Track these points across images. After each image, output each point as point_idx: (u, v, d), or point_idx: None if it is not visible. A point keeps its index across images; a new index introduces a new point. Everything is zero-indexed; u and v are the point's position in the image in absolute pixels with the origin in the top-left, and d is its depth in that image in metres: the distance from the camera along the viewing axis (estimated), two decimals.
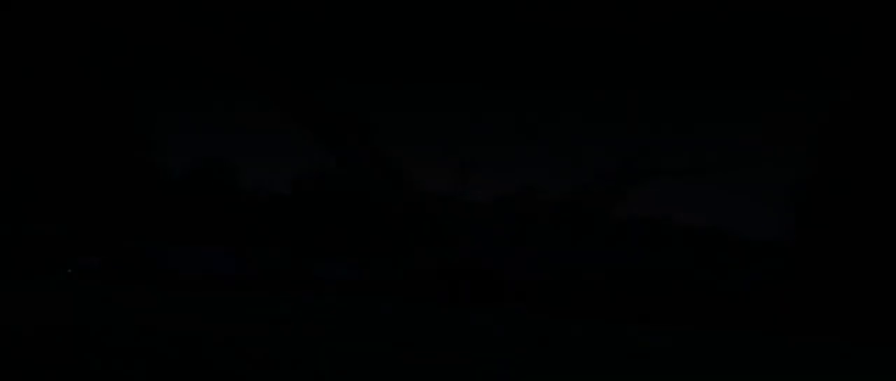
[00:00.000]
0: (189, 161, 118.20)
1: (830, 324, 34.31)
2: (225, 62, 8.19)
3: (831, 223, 42.69)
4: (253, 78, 8.04)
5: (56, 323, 16.80)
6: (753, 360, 18.01)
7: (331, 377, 12.21)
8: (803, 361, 18.37)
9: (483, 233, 9.64)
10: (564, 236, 68.34)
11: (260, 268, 77.46)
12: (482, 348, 15.94)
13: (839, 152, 40.38)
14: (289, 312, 21.49)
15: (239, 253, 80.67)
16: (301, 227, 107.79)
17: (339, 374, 12.42)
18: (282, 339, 15.99)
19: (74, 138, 71.86)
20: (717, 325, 32.26)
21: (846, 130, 41.31)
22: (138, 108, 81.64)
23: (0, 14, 47.36)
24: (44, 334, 14.99)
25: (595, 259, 56.53)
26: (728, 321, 36.26)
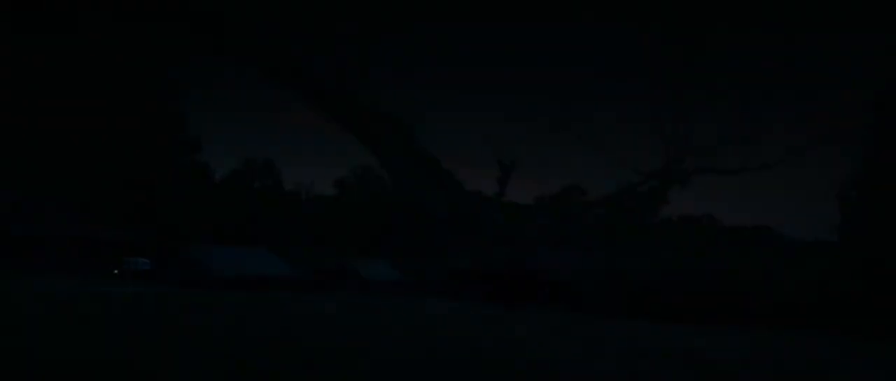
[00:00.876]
0: (233, 162, 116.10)
1: (879, 324, 33.86)
2: (269, 63, 8.24)
3: (880, 223, 42.08)
4: (296, 79, 8.10)
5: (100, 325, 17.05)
6: (809, 362, 17.84)
7: (377, 375, 12.29)
8: (854, 361, 18.15)
9: (526, 233, 9.59)
10: (608, 237, 67.96)
11: (305, 268, 77.79)
12: (526, 347, 15.95)
13: (889, 152, 39.80)
14: (334, 311, 21.60)
15: (283, 254, 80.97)
16: (345, 227, 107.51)
17: (385, 372, 12.50)
18: (328, 338, 16.11)
19: (127, 144, 72.74)
20: (764, 326, 31.95)
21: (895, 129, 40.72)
22: (184, 111, 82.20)
23: (49, 27, 48.23)
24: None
25: (638, 260, 56.22)
26: (775, 323, 35.92)
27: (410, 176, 9.20)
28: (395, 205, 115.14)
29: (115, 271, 58.49)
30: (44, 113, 58.93)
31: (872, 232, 38.16)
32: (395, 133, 9.00)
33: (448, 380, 12.40)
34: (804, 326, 33.86)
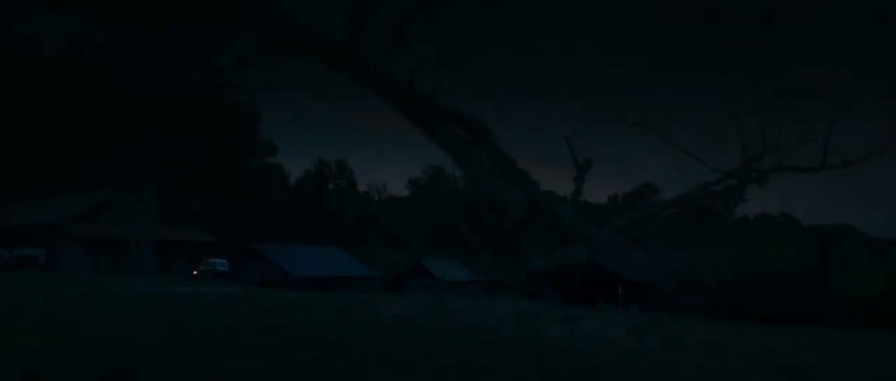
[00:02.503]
0: (308, 164, 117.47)
1: None
2: (343, 63, 8.32)
3: None
4: (371, 79, 8.17)
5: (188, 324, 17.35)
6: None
7: (453, 374, 12.31)
8: None
9: (602, 233, 9.54)
10: (684, 236, 67.06)
11: (378, 268, 78.37)
12: (603, 347, 15.85)
13: None
14: (408, 310, 21.67)
15: (357, 254, 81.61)
16: (418, 227, 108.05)
17: (460, 372, 12.50)
18: (402, 337, 16.19)
19: (205, 147, 73.99)
20: (846, 326, 31.25)
21: None
22: (259, 113, 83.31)
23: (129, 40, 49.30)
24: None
25: (715, 259, 55.52)
26: (857, 322, 35.11)
27: (487, 176, 9.23)
28: (469, 205, 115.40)
29: (194, 273, 59.62)
30: (124, 117, 60.24)
31: None
32: (471, 133, 9.06)
33: (524, 379, 12.36)
34: (888, 326, 33.05)
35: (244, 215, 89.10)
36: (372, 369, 12.37)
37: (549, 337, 17.24)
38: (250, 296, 27.65)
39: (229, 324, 17.20)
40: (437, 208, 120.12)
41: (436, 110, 8.90)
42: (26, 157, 63.46)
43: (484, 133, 9.14)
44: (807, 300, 43.66)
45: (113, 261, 54.45)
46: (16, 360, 11.48)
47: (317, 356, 13.20)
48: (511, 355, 14.39)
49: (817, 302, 43.18)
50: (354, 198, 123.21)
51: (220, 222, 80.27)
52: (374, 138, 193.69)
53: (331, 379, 11.62)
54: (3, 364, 11.07)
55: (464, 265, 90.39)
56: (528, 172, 9.07)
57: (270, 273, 69.05)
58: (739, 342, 18.52)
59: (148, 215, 57.50)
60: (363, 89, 9.27)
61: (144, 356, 12.29)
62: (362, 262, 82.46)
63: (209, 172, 78.26)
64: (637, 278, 60.90)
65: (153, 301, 22.97)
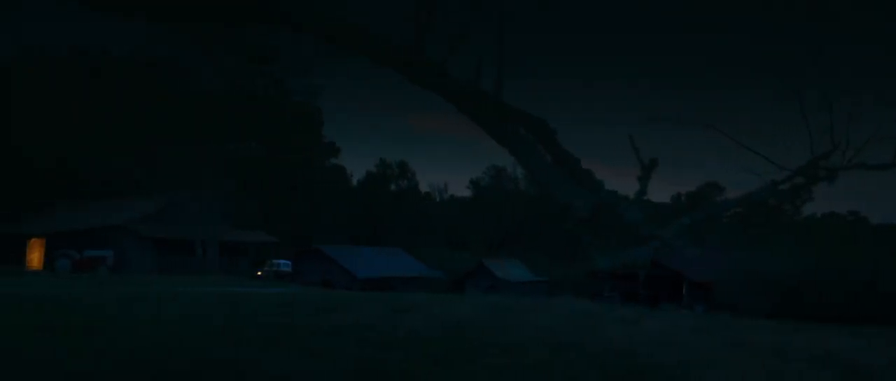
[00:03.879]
0: (370, 165, 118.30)
1: None
2: (405, 64, 8.35)
3: None
4: (434, 80, 8.19)
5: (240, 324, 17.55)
6: None
7: (515, 374, 12.29)
8: None
9: (666, 232, 9.46)
10: (749, 236, 66.10)
11: (440, 269, 78.39)
12: (667, 347, 15.70)
13: None
14: (470, 311, 21.67)
15: (418, 254, 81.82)
16: (479, 228, 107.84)
17: (522, 372, 12.48)
18: (463, 337, 16.20)
19: (268, 148, 74.83)
20: None
21: None
22: (322, 115, 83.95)
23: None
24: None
25: (781, 258, 54.61)
26: None
27: (551, 176, 9.17)
28: (531, 205, 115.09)
29: (258, 273, 60.32)
30: (189, 120, 61.14)
31: None
32: (535, 133, 9.02)
33: (587, 379, 12.30)
34: None
35: (307, 216, 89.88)
36: (430, 369, 12.40)
37: (610, 337, 17.12)
38: (311, 297, 27.87)
39: (289, 324, 17.37)
40: (499, 209, 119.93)
41: (501, 111, 8.89)
42: (95, 161, 64.75)
43: (548, 133, 9.11)
44: (875, 301, 42.74)
45: (179, 262, 55.28)
46: (72, 360, 11.71)
47: (375, 356, 13.27)
48: (571, 355, 14.31)
49: (886, 303, 42.25)
50: (416, 199, 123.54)
51: (284, 223, 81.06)
52: (434, 139, 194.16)
53: (389, 379, 11.68)
54: (59, 364, 11.30)
55: (526, 266, 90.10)
56: (592, 172, 9.02)
57: (332, 274, 69.56)
58: (805, 342, 18.22)
59: (213, 217, 58.31)
60: (427, 91, 9.29)
61: (201, 356, 12.46)
62: (424, 263, 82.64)
63: (273, 173, 79.10)
64: (701, 277, 60.17)
65: (215, 301, 23.29)
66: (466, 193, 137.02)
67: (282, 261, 63.85)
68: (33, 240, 61.00)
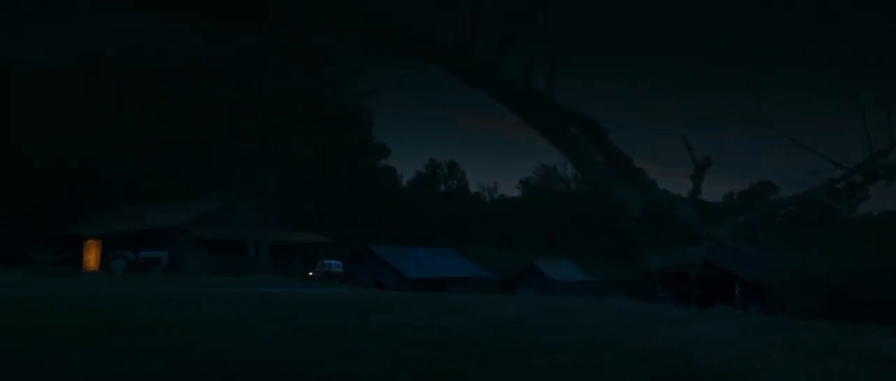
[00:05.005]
0: (420, 166, 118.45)
1: None
2: (456, 64, 8.32)
3: None
4: (486, 80, 8.15)
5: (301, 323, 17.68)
6: None
7: (564, 375, 12.23)
8: None
9: (719, 232, 9.33)
10: (803, 235, 65.19)
11: (490, 269, 78.30)
12: (719, 347, 15.54)
13: None
14: (520, 311, 21.64)
15: (468, 255, 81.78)
16: (530, 228, 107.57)
17: (572, 372, 12.42)
18: (514, 338, 16.17)
19: (319, 150, 75.27)
20: None
21: None
22: (372, 116, 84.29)
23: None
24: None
25: (836, 258, 53.82)
26: None
27: (604, 175, 9.07)
28: (582, 205, 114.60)
29: (310, 274, 60.72)
30: (241, 122, 61.72)
31: None
32: (587, 132, 8.92)
33: (639, 379, 12.22)
34: None
35: (358, 217, 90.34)
36: (481, 369, 12.39)
37: (662, 338, 16.99)
38: (362, 297, 28.03)
39: (342, 325, 17.47)
40: (549, 209, 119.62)
41: (552, 110, 8.85)
42: (150, 163, 65.67)
43: (600, 133, 9.05)
44: None
45: (232, 262, 55.81)
46: (130, 360, 11.87)
47: (426, 356, 13.29)
48: (622, 356, 14.22)
49: None
50: (465, 199, 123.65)
51: (335, 224, 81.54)
52: (484, 139, 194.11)
53: (439, 379, 11.69)
54: (119, 364, 11.46)
55: (577, 266, 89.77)
56: (645, 171, 8.95)
57: (383, 274, 69.83)
58: (860, 343, 17.91)
59: (266, 218, 58.82)
60: (475, 91, 9.29)
61: (257, 357, 12.57)
62: (474, 263, 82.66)
63: (325, 175, 79.62)
64: (755, 277, 59.49)
65: (268, 302, 23.49)
66: (516, 193, 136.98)
67: (333, 262, 64.21)
68: (90, 241, 61.95)
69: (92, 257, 61.18)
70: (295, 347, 13.81)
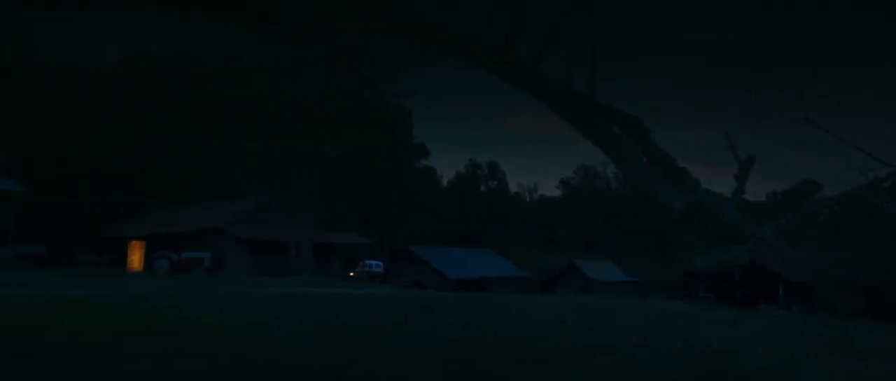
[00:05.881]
0: (460, 166, 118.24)
1: None
2: (497, 64, 8.30)
3: None
4: (527, 79, 8.12)
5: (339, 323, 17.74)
6: None
7: (606, 375, 12.17)
8: None
9: (762, 232, 9.24)
10: (848, 235, 64.32)
11: (530, 269, 78.04)
12: (763, 348, 15.39)
13: None
14: (561, 311, 21.55)
15: (508, 255, 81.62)
16: (570, 228, 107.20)
17: (614, 373, 12.36)
18: (556, 338, 16.12)
19: (360, 151, 75.53)
20: None
21: None
22: (412, 116, 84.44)
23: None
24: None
25: (883, 258, 53.01)
26: None
27: (646, 175, 9.00)
28: (623, 204, 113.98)
29: (351, 274, 60.96)
30: (283, 124, 62.11)
31: None
32: (629, 132, 8.85)
33: (681, 380, 12.13)
34: None
35: (398, 217, 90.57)
36: (522, 369, 12.36)
37: (705, 339, 16.85)
38: (403, 297, 28.07)
39: (382, 325, 17.51)
40: (590, 208, 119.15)
41: (594, 110, 8.82)
42: (194, 164, 66.33)
43: (643, 132, 9.00)
44: None
45: (273, 262, 56.16)
46: (172, 359, 11.98)
47: (467, 356, 13.28)
48: (664, 356, 14.13)
49: None
50: (506, 199, 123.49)
51: (376, 224, 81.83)
52: (524, 139, 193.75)
53: (480, 379, 11.67)
54: (160, 363, 11.57)
55: (618, 266, 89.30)
56: (688, 171, 8.89)
57: (424, 275, 69.90)
58: None
59: (307, 218, 59.16)
60: (518, 91, 9.27)
61: (298, 356, 12.64)
62: (514, 263, 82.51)
63: (365, 175, 79.89)
64: (799, 278, 58.76)
65: (309, 302, 23.60)
66: (556, 192, 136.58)
67: (373, 262, 64.43)
68: (133, 242, 62.70)
69: (136, 257, 61.90)
70: (336, 347, 13.86)
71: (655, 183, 8.35)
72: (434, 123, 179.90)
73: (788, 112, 13.31)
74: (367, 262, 63.50)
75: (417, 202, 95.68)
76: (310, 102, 62.89)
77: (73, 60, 69.66)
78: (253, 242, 57.15)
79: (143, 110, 67.88)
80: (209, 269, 54.13)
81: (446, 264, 72.74)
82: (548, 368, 12.55)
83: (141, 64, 73.89)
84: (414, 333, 16.22)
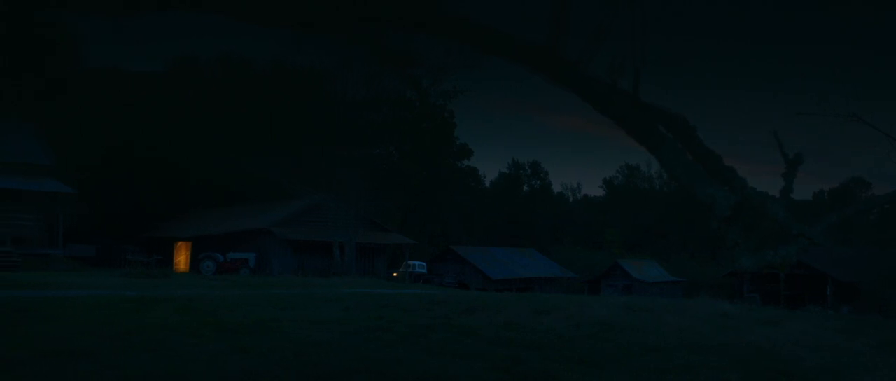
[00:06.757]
0: (503, 166, 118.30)
1: None
2: (542, 64, 8.33)
3: None
4: (572, 78, 8.14)
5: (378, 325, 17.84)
6: None
7: (651, 375, 12.15)
8: None
9: (814, 231, 9.19)
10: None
11: (574, 269, 77.72)
12: (811, 349, 15.25)
13: None
14: (606, 311, 21.48)
15: (552, 255, 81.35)
16: (614, 227, 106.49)
17: (658, 374, 12.32)
18: (600, 338, 16.10)
19: (403, 151, 75.70)
20: None
21: None
22: (455, 118, 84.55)
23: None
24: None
25: None
26: None
27: (692, 174, 8.99)
28: (667, 204, 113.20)
29: (394, 274, 61.16)
30: (328, 126, 62.50)
31: None
32: (674, 130, 8.85)
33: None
34: None
35: (441, 217, 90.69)
36: (568, 369, 12.38)
37: (752, 339, 16.74)
38: (448, 297, 28.15)
39: (428, 325, 17.60)
40: (634, 208, 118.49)
41: (640, 109, 8.81)
42: (238, 165, 66.88)
43: (688, 130, 8.98)
44: None
45: (317, 263, 56.45)
46: (225, 358, 12.15)
47: (516, 356, 13.33)
48: (711, 357, 14.07)
49: None
50: (549, 199, 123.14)
51: (419, 225, 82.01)
52: (566, 139, 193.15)
53: (528, 379, 11.71)
54: (214, 363, 11.74)
55: (662, 265, 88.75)
56: (734, 169, 8.86)
57: (467, 275, 69.95)
58: None
59: (350, 219, 59.42)
60: (560, 90, 9.29)
61: (349, 356, 12.75)
62: (558, 263, 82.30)
63: (408, 176, 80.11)
64: (847, 278, 58.03)
65: (356, 303, 23.76)
66: (600, 192, 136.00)
67: (417, 262, 64.59)
68: (180, 243, 63.38)
69: (182, 258, 62.58)
70: (384, 347, 13.97)
71: (702, 182, 8.33)
72: (476, 123, 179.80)
73: (837, 110, 13.19)
74: (410, 262, 63.67)
75: (461, 202, 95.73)
76: (355, 103, 63.25)
77: (123, 65, 70.78)
78: (297, 242, 57.51)
79: (191, 112, 68.70)
80: (254, 269, 54.59)
81: (490, 264, 72.73)
82: (596, 368, 12.58)
83: (189, 67, 74.81)
84: (463, 333, 16.31)
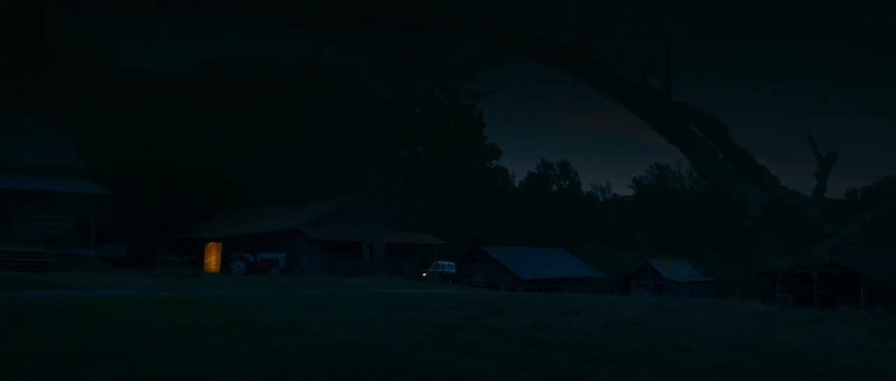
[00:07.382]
0: (532, 166, 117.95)
1: None
2: (572, 65, 8.27)
3: None
4: (602, 78, 8.09)
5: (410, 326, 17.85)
6: None
7: (681, 376, 12.08)
8: None
9: (847, 230, 9.09)
10: None
11: (604, 269, 77.39)
12: (843, 350, 15.11)
13: None
14: (636, 312, 21.39)
15: (581, 255, 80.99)
16: (644, 227, 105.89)
17: (688, 375, 12.25)
18: (629, 338, 16.04)
19: (432, 151, 75.76)
20: None
21: None
22: (483, 118, 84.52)
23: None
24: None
25: None
26: None
27: (724, 173, 8.89)
28: (698, 203, 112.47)
29: (423, 275, 61.17)
30: (356, 126, 62.65)
31: None
32: (706, 129, 8.75)
33: None
34: None
35: (470, 218, 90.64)
36: (597, 369, 12.33)
37: (784, 339, 16.60)
38: (477, 298, 28.13)
39: (458, 325, 17.60)
40: (664, 207, 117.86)
41: (670, 108, 8.77)
42: (269, 166, 67.19)
43: (719, 129, 8.92)
44: None
45: (347, 263, 56.57)
46: (262, 358, 12.20)
47: (546, 356, 13.30)
48: (743, 357, 13.97)
49: None
50: (578, 199, 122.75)
51: (448, 225, 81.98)
52: (595, 139, 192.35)
53: (557, 379, 11.67)
54: (246, 363, 11.80)
55: (693, 265, 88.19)
56: (766, 168, 8.79)
57: (497, 275, 69.84)
58: None
59: (381, 219, 59.53)
60: (589, 90, 9.27)
61: (379, 356, 12.77)
62: (588, 263, 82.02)
63: (437, 176, 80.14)
64: (881, 278, 57.39)
65: (385, 303, 23.79)
66: (629, 192, 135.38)
67: (446, 263, 64.56)
68: (210, 243, 63.77)
69: (212, 259, 62.96)
70: (414, 347, 13.98)
71: (734, 181, 8.27)
72: (505, 123, 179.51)
73: (869, 108, 13.06)
74: (439, 262, 63.66)
75: (490, 203, 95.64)
76: (384, 104, 63.33)
77: (153, 66, 71.33)
78: (327, 243, 57.68)
79: (221, 113, 69.07)
80: (284, 270, 54.81)
81: (519, 264, 72.58)
82: (626, 369, 12.53)
83: (219, 67, 75.23)
84: (493, 333, 16.30)
